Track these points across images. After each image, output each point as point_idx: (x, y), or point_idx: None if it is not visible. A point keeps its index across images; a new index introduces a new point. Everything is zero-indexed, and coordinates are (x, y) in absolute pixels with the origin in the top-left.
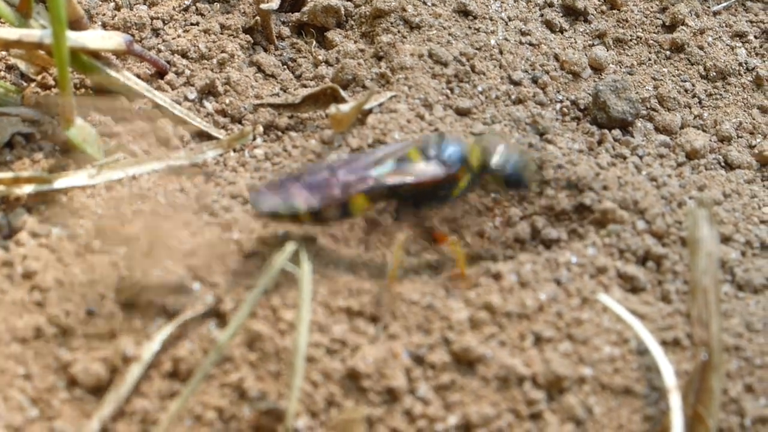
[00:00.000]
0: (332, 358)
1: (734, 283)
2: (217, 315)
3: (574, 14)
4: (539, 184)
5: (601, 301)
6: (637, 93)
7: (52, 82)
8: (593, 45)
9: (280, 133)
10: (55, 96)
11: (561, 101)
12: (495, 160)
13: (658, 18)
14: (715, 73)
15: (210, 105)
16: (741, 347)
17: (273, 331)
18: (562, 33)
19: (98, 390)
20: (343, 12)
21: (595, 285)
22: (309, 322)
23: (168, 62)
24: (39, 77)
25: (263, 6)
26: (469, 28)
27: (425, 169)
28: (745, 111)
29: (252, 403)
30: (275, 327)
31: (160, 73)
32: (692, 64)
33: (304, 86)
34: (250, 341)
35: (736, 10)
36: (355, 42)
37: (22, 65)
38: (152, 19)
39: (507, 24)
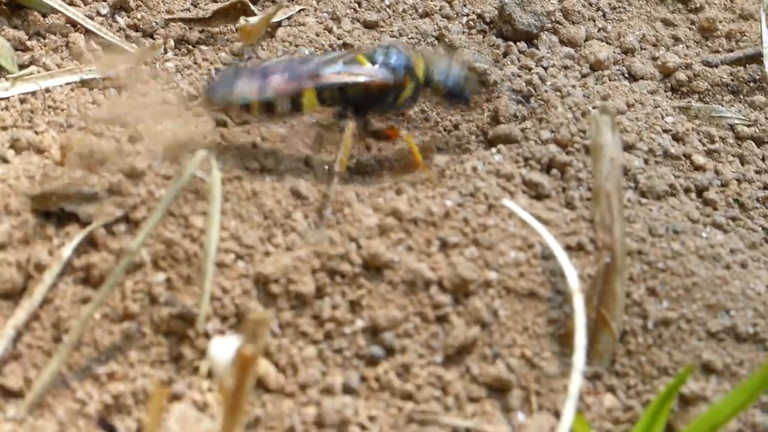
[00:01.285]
0: (242, 264)
1: (637, 189)
2: (129, 222)
3: None
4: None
5: (507, 206)
6: (542, 6)
7: None
8: None
9: (191, 47)
10: None
11: (467, 15)
12: (438, 72)
13: None
14: None
15: (122, 20)
16: (644, 252)
17: (183, 238)
18: None
19: (12, 296)
20: None
21: (501, 192)
22: (218, 228)
23: None
24: None
25: None
26: None
27: (375, 72)
28: (648, 24)
29: (163, 308)
30: (186, 234)
31: None
32: None
33: (215, 1)
34: (161, 247)
35: None
36: None
37: None
38: None
39: None
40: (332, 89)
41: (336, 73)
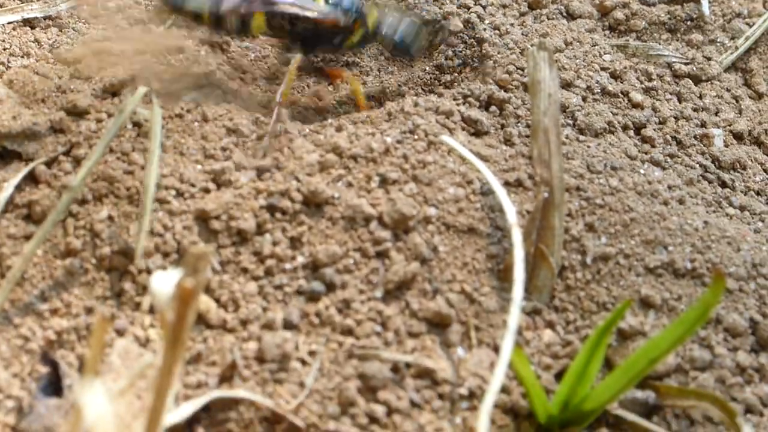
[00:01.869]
0: (183, 200)
1: (575, 127)
2: (71, 159)
3: None
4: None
5: (446, 143)
6: None
7: None
8: None
9: None
10: None
11: None
12: (389, 25)
13: None
14: None
15: None
16: (582, 188)
17: (125, 175)
18: None
19: None
20: None
21: (440, 129)
22: (157, 165)
23: None
24: None
25: None
26: None
27: (327, 11)
28: None
29: (104, 244)
30: (128, 170)
31: None
32: None
33: None
34: (104, 184)
35: None
36: None
37: None
38: None
39: None
40: (282, 18)
41: (289, 4)
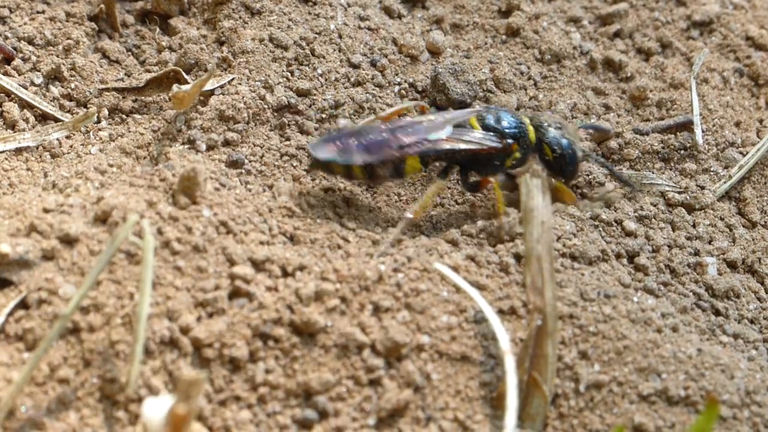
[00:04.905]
0: (175, 328)
1: (569, 255)
2: (63, 286)
3: (412, 1)
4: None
5: (439, 270)
6: (474, 75)
7: None
8: (431, 30)
9: (124, 116)
10: None
11: (399, 83)
12: (550, 136)
13: (494, 4)
14: (550, 57)
15: (56, 90)
16: (575, 315)
17: (118, 302)
18: (400, 18)
19: None
20: (186, 0)
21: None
22: (149, 294)
23: (15, 49)
24: None
25: None
26: (309, 13)
27: (481, 138)
28: (579, 93)
29: (96, 372)
30: (120, 298)
31: (7, 59)
32: (528, 48)
33: (148, 71)
34: (96, 312)
35: None
36: (198, 28)
37: None
38: None
39: (346, 9)
40: (437, 155)
41: (444, 139)
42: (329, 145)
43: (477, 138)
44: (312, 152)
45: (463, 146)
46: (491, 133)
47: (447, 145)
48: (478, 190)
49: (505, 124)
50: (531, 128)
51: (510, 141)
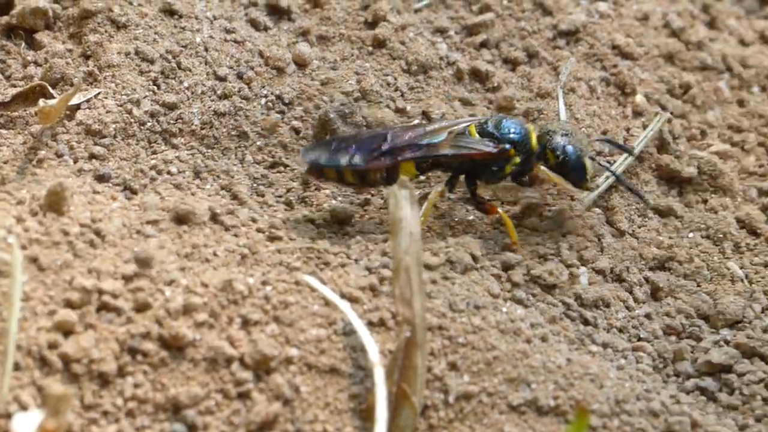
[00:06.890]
0: (44, 345)
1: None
2: None
3: (278, 13)
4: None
5: (308, 282)
6: (340, 87)
7: None
8: (297, 42)
9: None
10: None
11: (266, 96)
12: (554, 142)
13: (360, 15)
14: (416, 67)
15: None
16: (444, 326)
17: None
18: (266, 31)
19: None
20: (51, 14)
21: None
22: (18, 310)
23: None
24: None
25: None
26: (175, 26)
27: (475, 143)
28: (447, 103)
29: None
30: None
31: None
32: (394, 59)
33: (14, 86)
34: None
35: (436, 7)
36: (64, 42)
37: None
38: None
39: (212, 22)
40: (432, 161)
41: (435, 145)
42: (322, 150)
43: (471, 143)
44: (304, 157)
45: (455, 151)
46: (486, 139)
47: (440, 150)
48: (485, 211)
49: (503, 129)
50: (534, 134)
51: (507, 146)
